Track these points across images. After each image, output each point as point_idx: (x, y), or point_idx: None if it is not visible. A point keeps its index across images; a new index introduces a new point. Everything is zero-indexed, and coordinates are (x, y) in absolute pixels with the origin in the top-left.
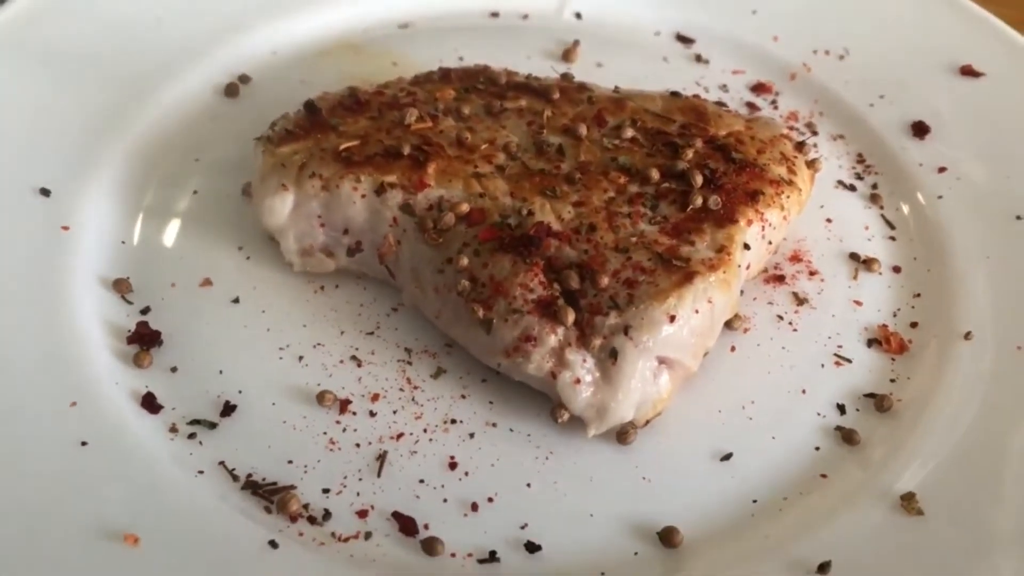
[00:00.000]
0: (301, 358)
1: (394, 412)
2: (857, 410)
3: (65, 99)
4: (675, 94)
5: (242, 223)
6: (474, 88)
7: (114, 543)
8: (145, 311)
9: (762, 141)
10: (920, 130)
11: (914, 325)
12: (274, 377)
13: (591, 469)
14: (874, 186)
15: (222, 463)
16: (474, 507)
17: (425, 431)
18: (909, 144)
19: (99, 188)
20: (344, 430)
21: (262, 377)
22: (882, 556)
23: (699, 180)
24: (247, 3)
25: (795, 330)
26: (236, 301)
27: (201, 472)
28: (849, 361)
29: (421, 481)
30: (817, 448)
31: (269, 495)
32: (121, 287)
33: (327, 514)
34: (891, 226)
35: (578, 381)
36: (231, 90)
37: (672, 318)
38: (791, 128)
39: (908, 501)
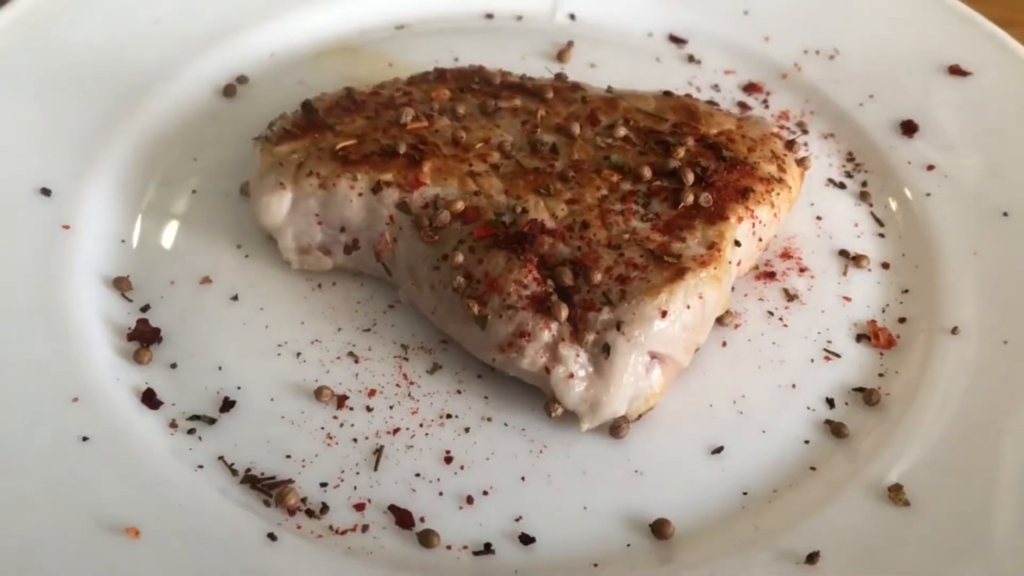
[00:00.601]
0: (299, 354)
1: (390, 407)
2: (846, 404)
3: (65, 100)
4: (667, 94)
5: (240, 222)
6: (469, 88)
7: (116, 535)
8: (145, 309)
9: (752, 140)
10: (909, 129)
11: (902, 320)
12: (272, 373)
13: (584, 462)
14: (863, 184)
15: (221, 458)
16: (469, 500)
17: (421, 426)
18: (898, 142)
19: (99, 188)
20: (341, 425)
21: (261, 373)
22: (870, 546)
23: (690, 178)
24: (245, 5)
25: (785, 326)
26: (235, 299)
27: (201, 466)
28: (838, 356)
29: (417, 475)
30: (807, 441)
31: (268, 489)
32: (121, 285)
33: (325, 507)
34: (880, 223)
35: (571, 376)
36: (229, 91)
37: (664, 314)
38: (782, 127)
39: (895, 492)
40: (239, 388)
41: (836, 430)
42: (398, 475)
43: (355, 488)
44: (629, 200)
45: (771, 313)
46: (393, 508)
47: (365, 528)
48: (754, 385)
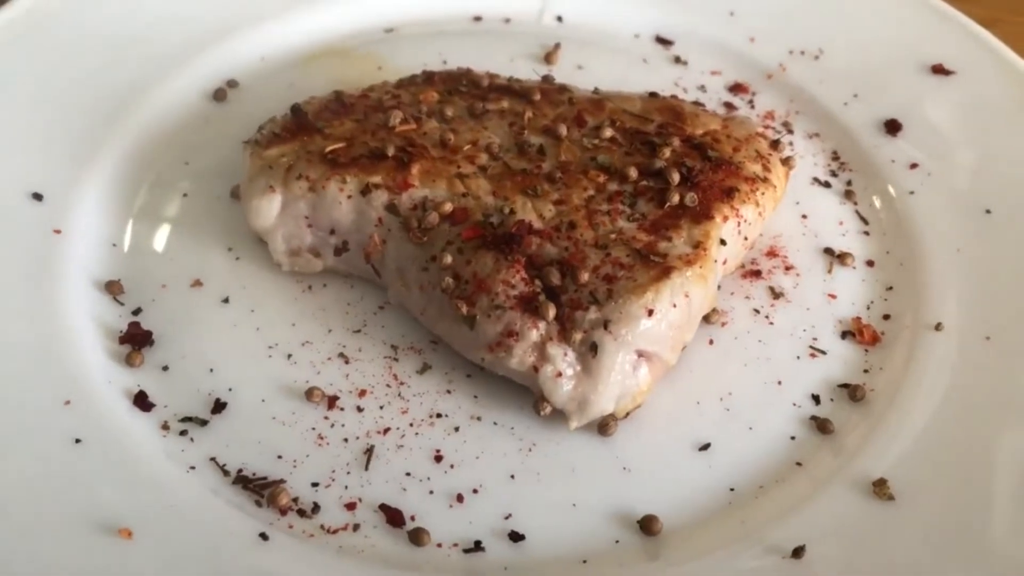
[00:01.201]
0: (290, 356)
1: (381, 407)
2: (831, 400)
3: (56, 104)
4: (653, 95)
5: (231, 225)
6: (457, 91)
7: (108, 537)
8: (137, 312)
9: (737, 139)
10: (892, 128)
11: (887, 317)
12: (264, 375)
13: (573, 460)
14: (848, 183)
15: (213, 459)
16: (459, 498)
17: (411, 425)
18: (882, 141)
19: (90, 192)
20: (332, 425)
21: (252, 375)
22: (855, 539)
23: (676, 178)
24: (235, 9)
25: (771, 323)
26: (226, 301)
27: (193, 468)
28: (824, 353)
29: (408, 474)
30: (793, 437)
31: (260, 489)
32: (113, 288)
33: (316, 507)
34: (865, 221)
35: (559, 374)
36: (220, 95)
37: (650, 312)
38: (768, 127)
39: (880, 487)
40: (230, 390)
41: (822, 426)
42: (389, 474)
43: (346, 487)
44: (616, 200)
45: (757, 311)
46: (384, 507)
47: (356, 527)
48: (740, 382)
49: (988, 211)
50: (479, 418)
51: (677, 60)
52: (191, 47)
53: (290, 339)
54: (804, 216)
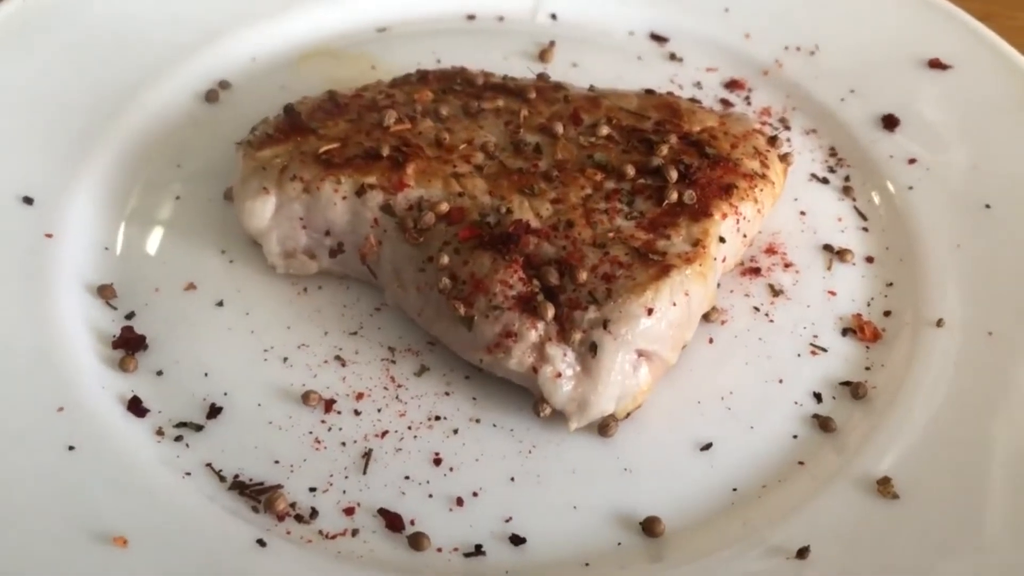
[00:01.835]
0: (286, 359)
1: (378, 410)
2: (833, 398)
3: (46, 107)
4: (649, 92)
5: (225, 227)
6: (451, 89)
7: (103, 545)
8: (130, 316)
9: (735, 136)
10: (890, 123)
11: (887, 314)
12: (259, 378)
13: (573, 462)
14: (846, 178)
15: (209, 464)
16: (459, 502)
17: (409, 428)
18: (879, 137)
19: (82, 195)
20: (329, 429)
21: (247, 379)
22: (859, 539)
23: (674, 175)
24: (227, 10)
25: (771, 321)
26: (220, 304)
27: (188, 474)
28: (824, 350)
29: (406, 478)
30: (795, 436)
31: (256, 495)
32: (106, 293)
33: (314, 512)
34: (863, 217)
35: (559, 375)
36: (212, 96)
37: (650, 311)
38: (764, 123)
39: (884, 485)
40: (226, 394)
41: (824, 424)
42: (387, 478)
43: (344, 492)
44: (613, 199)
45: (757, 309)
46: (383, 511)
47: (355, 532)
48: (741, 381)
49: (988, 206)
50: (478, 420)
51: (672, 57)
52: (182, 48)
53: (286, 342)
54: (802, 213)
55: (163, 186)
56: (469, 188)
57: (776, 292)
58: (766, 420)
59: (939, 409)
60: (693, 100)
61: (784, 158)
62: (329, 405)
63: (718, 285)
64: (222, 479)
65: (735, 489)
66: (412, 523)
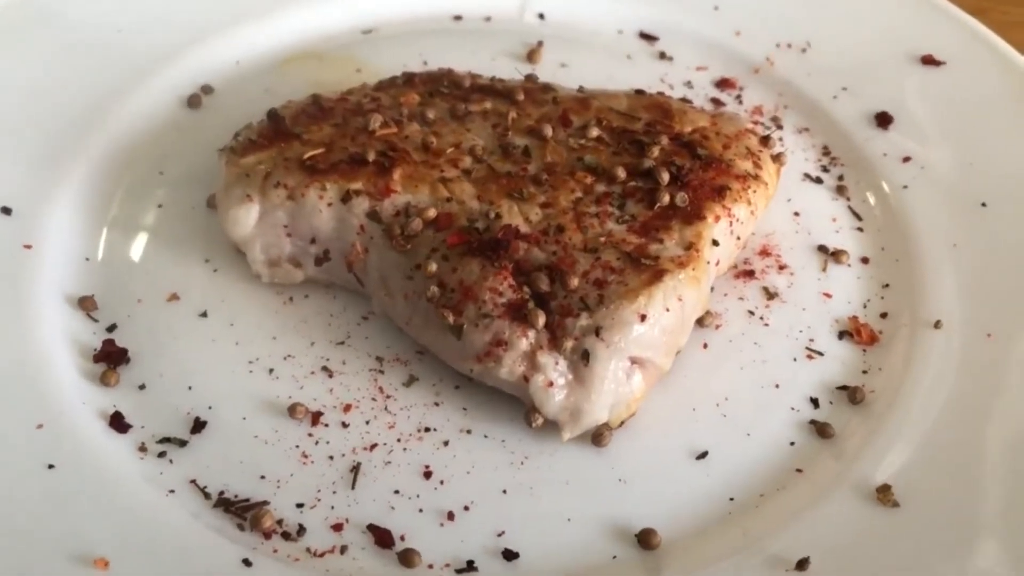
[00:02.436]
0: (271, 371)
1: (367, 422)
2: (830, 403)
3: (24, 114)
4: (640, 92)
5: (208, 235)
6: (438, 92)
7: (83, 568)
8: (111, 328)
9: (727, 136)
10: (883, 120)
11: (884, 315)
12: (244, 391)
13: (567, 473)
14: (840, 178)
15: (193, 481)
16: (450, 516)
17: (399, 440)
18: (873, 135)
19: (61, 205)
20: (317, 443)
21: (232, 392)
22: (860, 548)
23: (666, 177)
24: (209, 13)
25: (766, 325)
26: (204, 315)
27: (172, 491)
28: (821, 354)
29: (396, 492)
30: (792, 443)
31: (242, 512)
32: (86, 304)
33: (302, 529)
34: (858, 217)
35: (551, 384)
36: (194, 101)
37: (643, 317)
38: (756, 122)
39: (884, 493)
40: (210, 408)
41: (821, 430)
42: (376, 492)
43: (332, 508)
44: (604, 202)
45: (752, 312)
46: (372, 527)
47: (344, 549)
48: (737, 387)
49: (983, 204)
50: (469, 431)
51: (662, 56)
52: (163, 52)
53: (271, 353)
54: (796, 213)
55: (145, 194)
56: (457, 193)
57: (771, 295)
58: (762, 426)
59: (939, 413)
60: (684, 100)
61: (777, 158)
62: (316, 418)
63: (712, 289)
64: (207, 496)
65: (732, 498)
66: (402, 539)
